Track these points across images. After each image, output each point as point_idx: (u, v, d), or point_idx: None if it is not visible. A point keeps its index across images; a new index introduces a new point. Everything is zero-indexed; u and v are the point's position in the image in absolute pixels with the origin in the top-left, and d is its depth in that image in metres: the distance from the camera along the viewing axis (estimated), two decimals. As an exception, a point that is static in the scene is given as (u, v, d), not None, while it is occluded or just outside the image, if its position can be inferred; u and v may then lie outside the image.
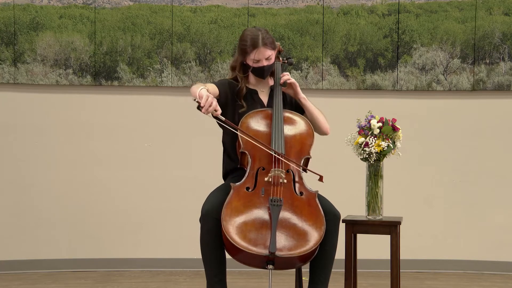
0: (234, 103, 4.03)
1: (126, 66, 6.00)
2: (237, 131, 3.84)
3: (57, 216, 5.97)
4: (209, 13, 6.04)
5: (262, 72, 4.00)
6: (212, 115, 3.72)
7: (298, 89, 4.02)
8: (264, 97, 4.08)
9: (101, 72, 5.99)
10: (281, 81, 3.98)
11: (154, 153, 6.04)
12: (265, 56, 3.96)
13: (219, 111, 3.72)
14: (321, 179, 3.78)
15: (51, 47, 5.96)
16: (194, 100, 3.72)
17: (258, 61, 3.97)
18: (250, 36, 3.96)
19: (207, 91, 3.74)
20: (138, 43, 6.00)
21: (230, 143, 4.02)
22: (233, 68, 4.10)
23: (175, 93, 6.02)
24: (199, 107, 3.69)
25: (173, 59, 6.01)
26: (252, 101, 4.04)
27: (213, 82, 4.05)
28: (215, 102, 3.70)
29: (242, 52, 3.99)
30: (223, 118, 3.76)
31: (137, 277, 5.79)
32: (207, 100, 3.68)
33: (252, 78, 4.09)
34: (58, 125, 6.00)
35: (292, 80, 4.00)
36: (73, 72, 5.98)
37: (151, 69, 6.01)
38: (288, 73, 4.04)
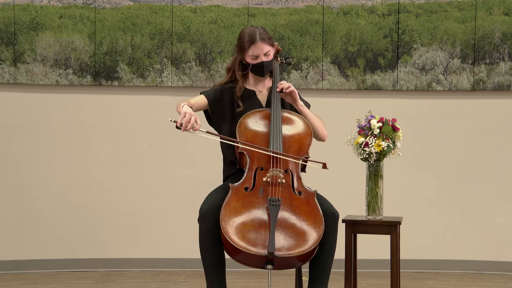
0: (232, 104, 4.03)
1: (126, 66, 6.00)
2: (236, 143, 3.84)
3: (57, 216, 5.97)
4: (209, 13, 6.04)
5: (261, 69, 4.00)
6: (193, 131, 3.73)
7: (296, 96, 4.01)
8: (262, 98, 4.08)
9: (101, 72, 5.99)
10: (278, 89, 3.98)
11: (154, 153, 6.04)
12: (263, 51, 3.97)
13: (199, 125, 3.73)
14: (324, 166, 3.78)
15: (51, 47, 5.96)
16: (171, 120, 3.73)
17: (256, 57, 3.98)
18: (248, 32, 3.99)
19: (189, 108, 3.77)
20: (138, 43, 6.00)
21: (227, 147, 4.02)
22: (228, 70, 4.10)
23: (175, 93, 6.02)
24: (177, 127, 3.70)
25: (173, 59, 6.01)
26: (250, 101, 4.04)
27: (203, 92, 4.06)
28: (193, 119, 3.71)
29: (240, 50, 4.00)
30: (204, 131, 3.77)
31: (137, 277, 5.79)
32: (184, 117, 3.70)
33: (250, 78, 4.09)
34: (58, 125, 6.00)
35: (290, 89, 3.99)
36: (73, 72, 5.98)
37: (151, 69, 6.01)
38: (284, 82, 4.03)
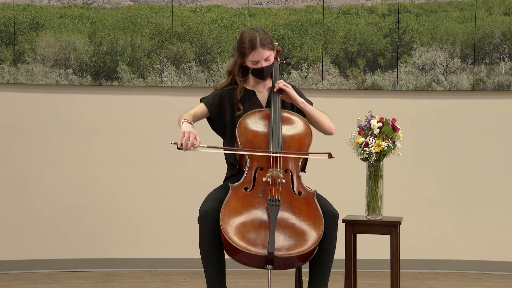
0: (232, 108, 4.03)
1: (126, 66, 6.00)
2: (237, 151, 3.87)
3: (57, 216, 5.97)
4: (209, 13, 6.04)
5: (262, 73, 4.00)
6: (193, 148, 3.77)
7: (293, 93, 4.00)
8: (262, 98, 4.08)
9: (101, 72, 5.99)
10: (275, 89, 3.99)
11: (154, 153, 6.04)
12: (264, 57, 3.96)
13: (199, 142, 3.78)
14: (330, 155, 3.77)
15: (51, 47, 5.96)
16: (171, 143, 3.77)
17: (257, 62, 3.97)
18: (248, 37, 3.95)
19: (188, 125, 3.81)
20: (138, 43, 6.00)
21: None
22: (229, 73, 4.09)
23: (175, 93, 6.03)
24: (179, 148, 3.76)
25: (173, 59, 6.01)
26: (251, 102, 4.04)
27: (203, 99, 4.07)
28: (192, 137, 3.77)
29: (240, 54, 3.99)
30: (205, 146, 3.82)
31: (137, 277, 5.79)
32: (183, 137, 3.75)
33: (251, 79, 4.09)
34: (58, 125, 6.00)
35: (286, 88, 3.98)
36: (73, 72, 5.98)
37: (151, 69, 6.01)
38: (282, 81, 4.02)
